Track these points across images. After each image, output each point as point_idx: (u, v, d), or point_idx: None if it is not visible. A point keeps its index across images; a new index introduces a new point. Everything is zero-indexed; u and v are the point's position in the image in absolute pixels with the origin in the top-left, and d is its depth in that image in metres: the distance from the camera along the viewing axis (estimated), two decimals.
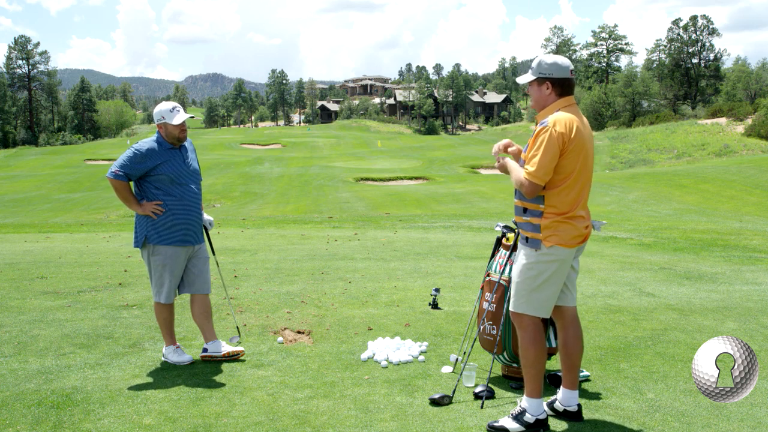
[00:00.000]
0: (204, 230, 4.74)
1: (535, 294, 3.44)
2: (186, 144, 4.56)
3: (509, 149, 3.69)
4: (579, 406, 3.59)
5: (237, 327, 5.19)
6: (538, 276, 3.41)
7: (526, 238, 3.45)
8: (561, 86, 3.43)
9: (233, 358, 4.56)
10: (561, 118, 3.33)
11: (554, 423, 3.56)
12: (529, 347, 3.49)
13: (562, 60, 3.45)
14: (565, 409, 3.60)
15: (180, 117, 4.38)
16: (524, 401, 3.49)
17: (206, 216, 4.78)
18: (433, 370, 4.37)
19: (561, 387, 3.64)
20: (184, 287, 4.62)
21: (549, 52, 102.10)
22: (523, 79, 3.53)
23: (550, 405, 3.66)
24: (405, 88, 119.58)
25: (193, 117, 4.52)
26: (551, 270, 3.40)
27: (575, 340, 3.61)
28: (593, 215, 3.81)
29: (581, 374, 4.04)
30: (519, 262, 3.51)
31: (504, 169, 3.57)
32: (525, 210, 3.46)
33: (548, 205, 3.38)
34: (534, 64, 3.48)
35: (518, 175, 3.39)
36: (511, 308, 3.56)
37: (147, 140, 4.42)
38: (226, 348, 4.57)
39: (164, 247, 4.40)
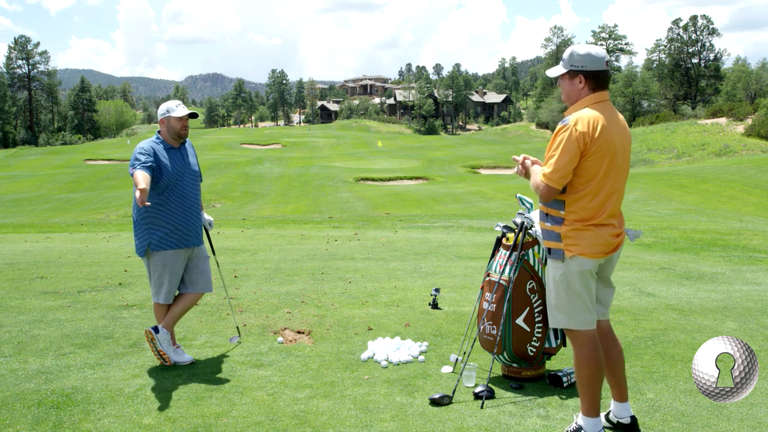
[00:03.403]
0: (204, 230, 4.75)
1: (573, 305, 3.20)
2: (186, 145, 4.58)
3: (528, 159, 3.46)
4: (633, 417, 3.40)
5: (237, 327, 5.20)
6: (570, 287, 3.17)
7: (549, 250, 3.22)
8: (595, 79, 3.14)
9: (163, 356, 4.38)
10: (584, 116, 3.06)
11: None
12: (584, 366, 3.21)
13: (597, 50, 3.13)
14: (618, 422, 3.43)
15: (183, 110, 4.48)
16: (580, 419, 3.25)
17: (206, 216, 4.79)
18: (433, 370, 4.37)
19: (612, 399, 3.46)
20: (185, 287, 4.60)
21: (549, 52, 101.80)
22: (553, 72, 3.24)
23: (606, 417, 3.47)
24: (405, 88, 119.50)
25: (196, 114, 4.60)
26: (579, 280, 3.16)
27: (614, 349, 3.39)
28: None
29: (573, 375, 4.02)
30: (550, 275, 3.27)
31: (526, 174, 3.37)
32: (546, 215, 3.22)
33: (569, 212, 3.12)
34: (565, 56, 3.18)
35: (535, 177, 3.18)
36: (554, 326, 3.33)
37: (147, 140, 4.42)
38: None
39: (164, 249, 4.41)
